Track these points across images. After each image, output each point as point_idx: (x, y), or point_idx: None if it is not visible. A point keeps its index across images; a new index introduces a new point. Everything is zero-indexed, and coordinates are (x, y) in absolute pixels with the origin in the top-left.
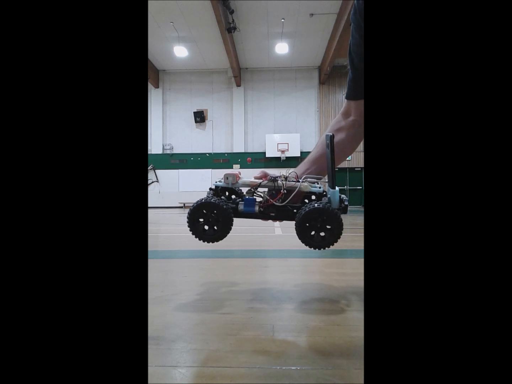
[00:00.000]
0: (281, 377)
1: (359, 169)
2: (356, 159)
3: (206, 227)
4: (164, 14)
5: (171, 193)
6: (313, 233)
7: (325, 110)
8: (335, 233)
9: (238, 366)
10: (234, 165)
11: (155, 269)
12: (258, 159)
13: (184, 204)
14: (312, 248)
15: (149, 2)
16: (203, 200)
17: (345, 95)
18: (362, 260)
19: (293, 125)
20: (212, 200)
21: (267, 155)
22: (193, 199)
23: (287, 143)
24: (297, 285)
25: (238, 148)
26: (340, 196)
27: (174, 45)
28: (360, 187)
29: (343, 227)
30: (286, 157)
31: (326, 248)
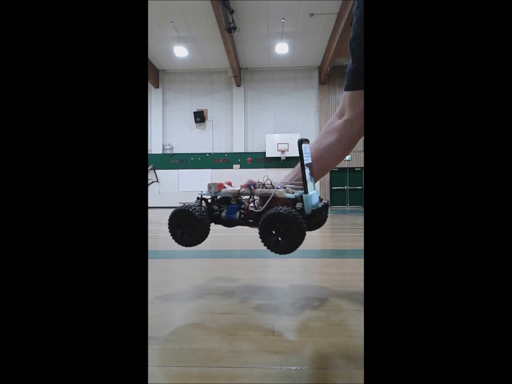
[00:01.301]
0: (281, 377)
1: (359, 169)
2: (356, 159)
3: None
4: (164, 14)
5: (171, 193)
6: (279, 238)
7: (325, 110)
8: (294, 238)
9: (238, 366)
10: (234, 165)
11: (155, 269)
12: (258, 159)
13: (184, 204)
14: (275, 253)
15: (149, 2)
16: (181, 208)
17: (344, 87)
18: (362, 260)
19: (293, 125)
20: (187, 208)
21: (267, 155)
22: (193, 199)
23: (287, 143)
24: (297, 285)
25: (238, 148)
26: (321, 200)
27: (174, 45)
28: (360, 187)
29: (304, 233)
30: (286, 157)
31: (287, 254)
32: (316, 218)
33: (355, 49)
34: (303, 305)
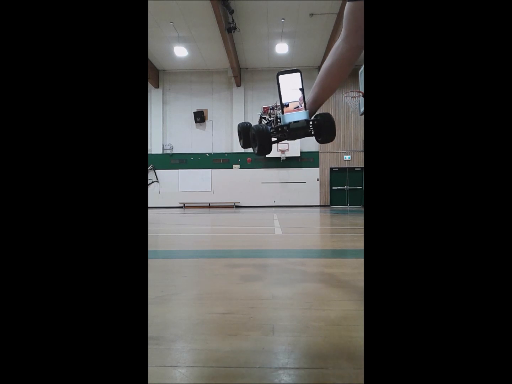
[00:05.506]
0: (281, 377)
1: (359, 169)
2: (356, 159)
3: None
4: (164, 14)
5: (171, 193)
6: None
7: (325, 110)
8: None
9: (238, 366)
10: (234, 165)
11: (155, 269)
12: (258, 159)
13: (184, 204)
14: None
15: (149, 2)
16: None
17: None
18: (362, 260)
19: None
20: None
21: (267, 155)
22: (193, 199)
23: (287, 143)
24: (298, 285)
25: (238, 148)
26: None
27: (174, 45)
28: (360, 187)
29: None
30: (286, 157)
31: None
32: (293, 130)
33: None
34: (303, 305)
